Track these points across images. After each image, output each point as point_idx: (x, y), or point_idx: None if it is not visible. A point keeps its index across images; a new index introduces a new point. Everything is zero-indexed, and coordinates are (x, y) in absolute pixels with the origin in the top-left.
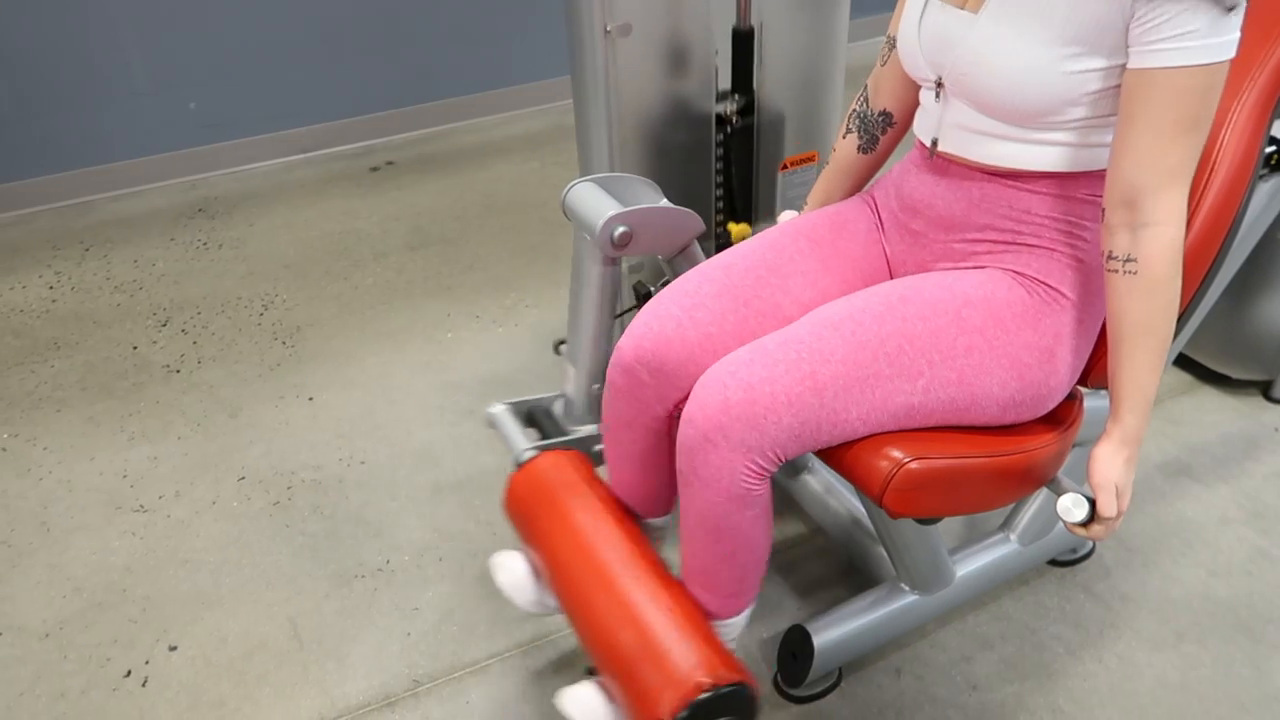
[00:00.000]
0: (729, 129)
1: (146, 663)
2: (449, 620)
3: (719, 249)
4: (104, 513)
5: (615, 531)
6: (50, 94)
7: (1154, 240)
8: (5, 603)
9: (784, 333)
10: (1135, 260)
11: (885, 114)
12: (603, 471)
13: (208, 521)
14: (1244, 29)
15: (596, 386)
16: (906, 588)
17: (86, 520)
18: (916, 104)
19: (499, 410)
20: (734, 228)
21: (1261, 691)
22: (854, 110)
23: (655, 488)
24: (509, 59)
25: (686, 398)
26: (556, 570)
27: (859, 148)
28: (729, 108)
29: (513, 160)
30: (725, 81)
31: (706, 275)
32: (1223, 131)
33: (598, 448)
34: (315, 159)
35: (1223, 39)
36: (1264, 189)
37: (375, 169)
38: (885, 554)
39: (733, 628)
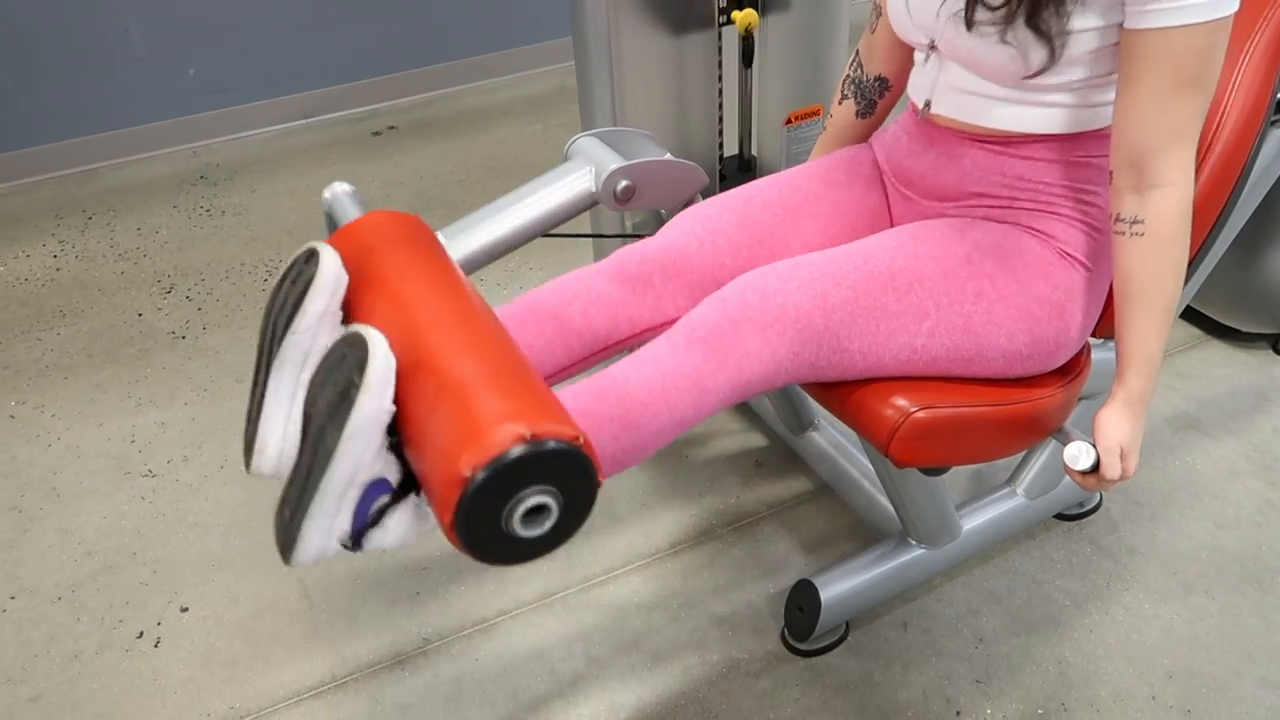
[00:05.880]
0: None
1: (159, 624)
2: (458, 579)
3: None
4: (113, 478)
5: (454, 284)
6: (49, 63)
7: (1161, 201)
8: (18, 567)
9: (800, 257)
10: (1142, 222)
11: (881, 79)
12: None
13: (216, 485)
14: None
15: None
16: (913, 542)
17: (96, 485)
18: (911, 65)
19: (339, 190)
20: (739, 14)
21: (1269, 641)
22: (848, 76)
23: (542, 356)
24: (511, 20)
25: (664, 324)
26: (378, 322)
27: (857, 112)
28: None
29: (515, 123)
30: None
31: (727, 205)
32: (1232, 77)
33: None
34: (317, 124)
35: None
36: (1275, 136)
37: (377, 133)
38: (892, 508)
39: None
